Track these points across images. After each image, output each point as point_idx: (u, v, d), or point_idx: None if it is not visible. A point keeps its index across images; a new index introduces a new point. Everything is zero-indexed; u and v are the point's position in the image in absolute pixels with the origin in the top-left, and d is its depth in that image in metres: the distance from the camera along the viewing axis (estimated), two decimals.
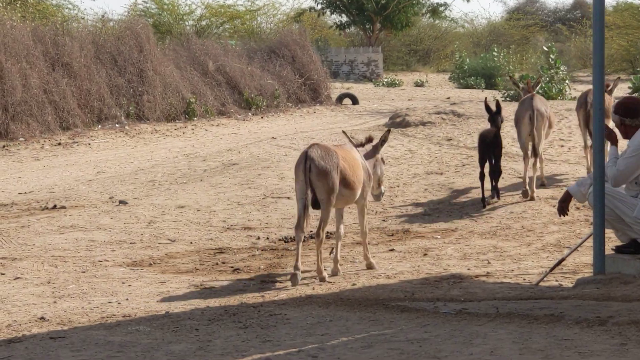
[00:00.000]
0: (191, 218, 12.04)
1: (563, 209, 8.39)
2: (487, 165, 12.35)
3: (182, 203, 12.74)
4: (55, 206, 12.84)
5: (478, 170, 12.43)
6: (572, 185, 8.51)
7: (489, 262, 9.65)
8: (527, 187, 12.42)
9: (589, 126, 12.49)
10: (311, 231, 9.97)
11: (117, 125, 22.89)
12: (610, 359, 5.65)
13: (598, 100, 8.07)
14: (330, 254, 9.73)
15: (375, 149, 9.75)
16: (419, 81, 41.84)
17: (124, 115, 23.43)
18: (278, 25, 38.65)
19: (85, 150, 20.11)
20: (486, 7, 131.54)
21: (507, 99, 27.37)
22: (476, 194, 12.65)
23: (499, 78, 37.49)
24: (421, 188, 13.38)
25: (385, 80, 40.80)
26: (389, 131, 10.01)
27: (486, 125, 13.20)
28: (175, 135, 22.37)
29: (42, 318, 7.54)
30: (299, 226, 8.87)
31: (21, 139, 20.59)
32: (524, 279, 8.80)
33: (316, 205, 8.93)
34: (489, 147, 12.27)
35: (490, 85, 38.08)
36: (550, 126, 13.00)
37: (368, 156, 9.61)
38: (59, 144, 20.57)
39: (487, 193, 12.38)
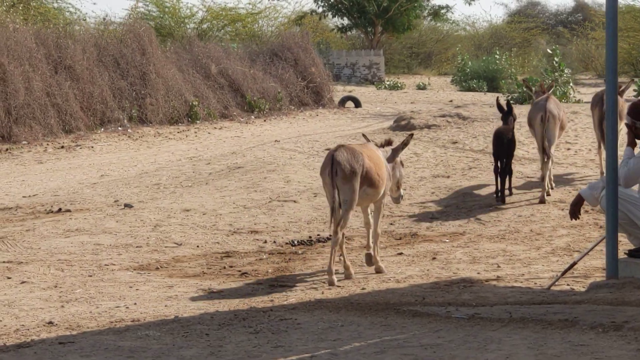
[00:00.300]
0: (197, 221, 11.97)
1: (575, 212, 8.34)
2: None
3: (187, 206, 12.66)
4: (60, 209, 12.77)
5: (493, 165, 12.69)
6: (584, 188, 8.44)
7: (498, 266, 9.58)
8: (545, 193, 12.35)
9: (603, 126, 12.42)
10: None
11: (120, 128, 22.83)
12: None
13: (611, 102, 8.01)
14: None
15: (396, 152, 9.85)
16: (421, 84, 41.78)
17: (127, 118, 23.36)
18: (279, 29, 38.57)
19: (88, 153, 20.03)
20: (487, 10, 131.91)
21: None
22: (484, 197, 12.59)
23: (502, 81, 37.38)
24: (428, 191, 13.31)
25: (388, 83, 40.73)
26: (411, 135, 10.27)
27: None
28: (179, 139, 22.30)
29: (50, 322, 7.47)
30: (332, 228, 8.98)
31: (24, 142, 20.52)
32: (535, 283, 8.73)
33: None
34: (503, 145, 12.46)
35: (493, 88, 37.97)
36: (562, 128, 12.97)
37: (389, 159, 9.73)
38: (62, 147, 20.50)
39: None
